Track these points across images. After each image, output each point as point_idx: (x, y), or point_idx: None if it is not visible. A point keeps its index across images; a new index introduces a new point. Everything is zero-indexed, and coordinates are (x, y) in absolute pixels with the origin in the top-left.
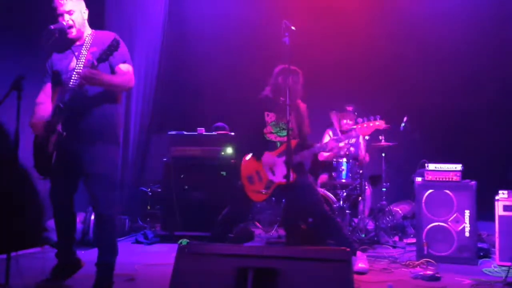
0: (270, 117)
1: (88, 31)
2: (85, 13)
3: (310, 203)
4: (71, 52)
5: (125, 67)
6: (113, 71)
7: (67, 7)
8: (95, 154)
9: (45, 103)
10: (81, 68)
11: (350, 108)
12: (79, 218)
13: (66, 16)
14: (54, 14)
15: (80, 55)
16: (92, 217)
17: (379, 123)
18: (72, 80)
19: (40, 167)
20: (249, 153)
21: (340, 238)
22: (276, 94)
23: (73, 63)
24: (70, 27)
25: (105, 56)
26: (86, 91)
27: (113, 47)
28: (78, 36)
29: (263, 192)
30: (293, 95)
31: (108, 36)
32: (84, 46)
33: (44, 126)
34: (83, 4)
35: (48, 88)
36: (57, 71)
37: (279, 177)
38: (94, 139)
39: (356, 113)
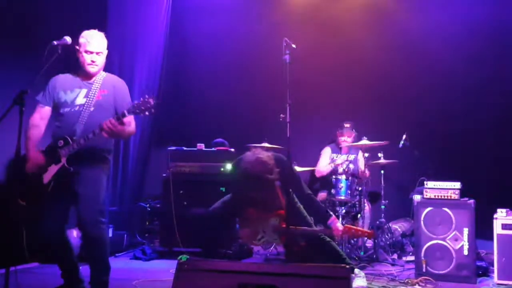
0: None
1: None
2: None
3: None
4: (78, 86)
5: (131, 116)
6: (116, 113)
7: (98, 48)
8: (84, 176)
9: (39, 126)
10: (90, 105)
11: (348, 125)
12: (77, 233)
13: (94, 57)
14: (77, 45)
15: (90, 93)
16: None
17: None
18: (81, 117)
19: (29, 195)
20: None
21: (334, 257)
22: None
23: (80, 99)
24: (93, 62)
25: (138, 111)
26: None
27: (149, 105)
28: (96, 75)
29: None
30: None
31: (119, 81)
32: (94, 85)
33: (45, 158)
34: (106, 45)
35: (45, 112)
36: (59, 101)
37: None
38: (84, 164)
39: (354, 130)
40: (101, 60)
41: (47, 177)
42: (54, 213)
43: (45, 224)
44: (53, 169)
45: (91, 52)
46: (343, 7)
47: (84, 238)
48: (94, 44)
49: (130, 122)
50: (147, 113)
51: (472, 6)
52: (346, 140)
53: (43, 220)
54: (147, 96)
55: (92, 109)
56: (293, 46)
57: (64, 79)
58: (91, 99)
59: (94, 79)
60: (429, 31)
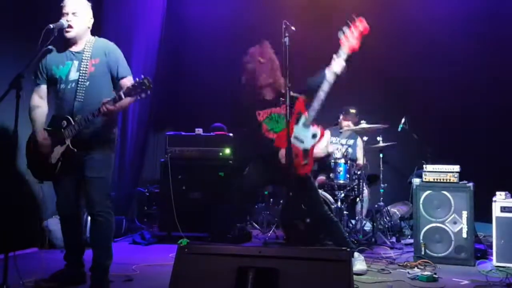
0: (261, 115)
1: (87, 37)
2: (90, 20)
3: (312, 200)
4: (69, 58)
5: (129, 81)
6: (113, 81)
7: (72, 8)
8: (93, 160)
9: (40, 106)
10: (84, 80)
11: (353, 111)
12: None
13: (70, 16)
14: (60, 13)
15: (82, 65)
16: (89, 219)
17: (360, 23)
18: (78, 95)
19: (41, 174)
20: (258, 153)
21: (338, 238)
22: (259, 92)
23: (73, 74)
24: (69, 26)
25: (134, 93)
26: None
27: (144, 86)
28: (75, 39)
29: (306, 163)
30: (272, 73)
31: (110, 46)
32: (84, 55)
33: (51, 140)
34: (89, 11)
35: (42, 90)
36: (53, 77)
37: (309, 142)
38: (92, 146)
39: (358, 116)
40: (78, 22)
41: (54, 157)
42: (67, 191)
43: (59, 200)
44: (58, 149)
45: (67, 14)
46: None
47: (92, 222)
48: (68, 3)
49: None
50: (143, 95)
51: None
52: (349, 125)
53: (57, 197)
54: (142, 77)
55: (87, 83)
56: (293, 28)
57: (54, 53)
58: (84, 73)
59: (83, 47)
60: (428, 15)
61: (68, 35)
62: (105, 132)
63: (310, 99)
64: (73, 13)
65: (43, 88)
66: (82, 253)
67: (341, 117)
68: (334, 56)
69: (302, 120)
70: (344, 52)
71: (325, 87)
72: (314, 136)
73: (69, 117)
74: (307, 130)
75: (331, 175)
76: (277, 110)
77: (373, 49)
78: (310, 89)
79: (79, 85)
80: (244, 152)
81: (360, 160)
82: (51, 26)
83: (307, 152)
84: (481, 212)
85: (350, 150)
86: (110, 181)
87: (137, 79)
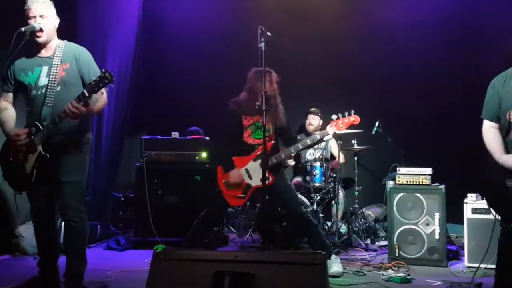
0: (247, 120)
1: (56, 41)
2: (56, 21)
3: (288, 204)
4: (38, 64)
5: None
6: (84, 84)
7: (39, 11)
8: (67, 164)
9: (7, 108)
10: (54, 85)
11: (313, 109)
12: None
13: (38, 19)
14: (24, 16)
15: (52, 71)
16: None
17: (354, 119)
18: (47, 99)
19: (18, 184)
20: (229, 158)
21: (316, 240)
22: (252, 98)
23: (43, 79)
24: (40, 30)
25: (97, 88)
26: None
27: (107, 80)
28: (46, 43)
29: (241, 197)
30: (269, 97)
31: (80, 50)
32: (54, 60)
33: (25, 144)
34: (54, 12)
35: (9, 97)
36: (23, 84)
37: (256, 181)
38: (65, 151)
39: (320, 115)
40: (47, 24)
41: (28, 166)
42: (41, 198)
43: (34, 207)
44: (31, 157)
45: (34, 17)
46: None
47: (66, 227)
48: (35, 6)
49: (101, 96)
50: (107, 89)
51: None
52: (311, 123)
53: (32, 205)
54: (103, 70)
55: (58, 88)
56: (268, 34)
57: (22, 59)
58: (54, 78)
59: (53, 52)
60: (402, 20)
61: (40, 39)
62: (78, 136)
63: (282, 146)
64: (41, 16)
65: (10, 95)
66: (56, 259)
67: (307, 121)
68: (317, 134)
69: (261, 161)
70: (330, 131)
71: (297, 149)
72: (263, 180)
73: (37, 123)
74: (260, 171)
75: (307, 178)
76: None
77: (346, 52)
78: (286, 141)
79: (48, 90)
80: (219, 150)
81: (337, 158)
82: (23, 29)
83: (248, 189)
84: (453, 213)
85: (323, 152)
86: (85, 186)
87: (98, 73)
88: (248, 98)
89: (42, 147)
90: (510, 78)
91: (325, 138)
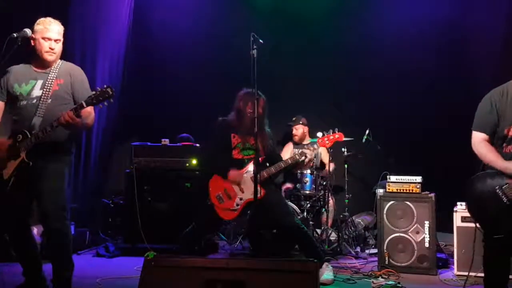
0: (236, 138)
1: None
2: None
3: (280, 215)
4: (33, 77)
5: (90, 107)
6: (74, 101)
7: (56, 36)
8: (46, 171)
9: None
10: (47, 97)
11: (295, 118)
12: (38, 230)
13: (53, 43)
14: (33, 32)
15: (46, 84)
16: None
17: (339, 136)
18: (39, 110)
19: None
20: (217, 173)
21: (310, 249)
22: (241, 119)
23: (36, 91)
24: (51, 50)
25: (96, 102)
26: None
27: (107, 95)
28: (52, 62)
29: (234, 210)
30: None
31: (75, 69)
32: (50, 75)
33: (6, 150)
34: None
35: (0, 107)
36: (14, 94)
37: (248, 194)
38: (47, 158)
39: (302, 122)
40: (58, 48)
41: (6, 172)
42: (16, 209)
43: (7, 219)
44: (12, 164)
45: (49, 39)
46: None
47: (47, 234)
48: (53, 30)
49: (90, 114)
50: (105, 103)
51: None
52: (295, 134)
53: (4, 215)
54: (105, 86)
55: (49, 101)
56: (261, 41)
57: (18, 71)
58: (47, 90)
59: (50, 68)
60: (393, 27)
61: (50, 58)
62: (61, 144)
63: (271, 161)
64: (56, 40)
65: (1, 104)
66: (39, 268)
67: (293, 130)
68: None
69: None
70: (309, 154)
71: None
72: (254, 193)
73: (25, 131)
74: (251, 184)
75: (297, 185)
76: (251, 140)
77: (334, 62)
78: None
79: (41, 101)
80: (208, 166)
81: (327, 166)
82: (15, 35)
83: (241, 202)
84: (442, 222)
85: (315, 160)
86: (66, 193)
87: (99, 88)
88: (237, 119)
89: (26, 154)
90: (508, 93)
91: (300, 160)
